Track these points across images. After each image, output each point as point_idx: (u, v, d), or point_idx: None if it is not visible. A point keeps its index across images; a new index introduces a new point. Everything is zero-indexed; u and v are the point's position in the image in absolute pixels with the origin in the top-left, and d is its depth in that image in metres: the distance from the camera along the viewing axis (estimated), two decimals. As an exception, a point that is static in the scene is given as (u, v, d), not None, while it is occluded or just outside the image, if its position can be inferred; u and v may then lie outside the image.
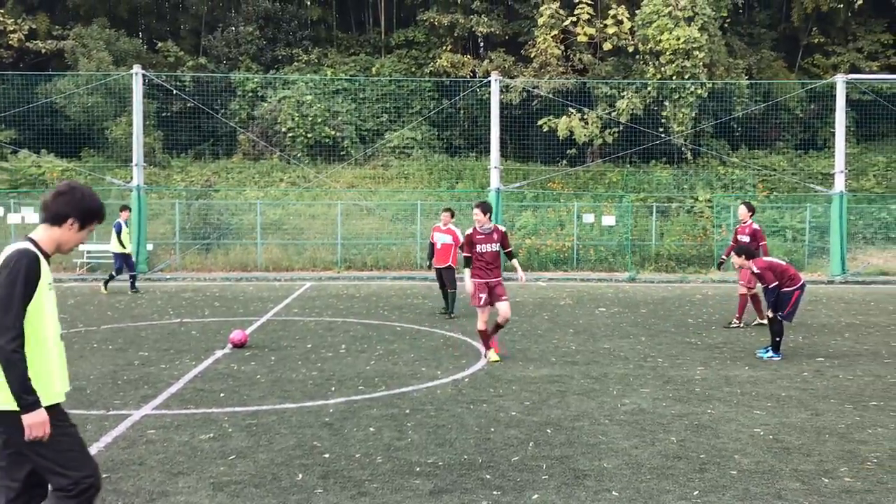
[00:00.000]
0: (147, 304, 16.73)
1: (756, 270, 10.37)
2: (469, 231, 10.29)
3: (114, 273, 19.00)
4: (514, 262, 10.63)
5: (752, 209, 13.77)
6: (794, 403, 7.85)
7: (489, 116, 25.74)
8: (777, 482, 5.53)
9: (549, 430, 6.76)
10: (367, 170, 32.15)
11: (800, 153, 32.53)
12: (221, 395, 8.09)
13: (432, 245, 14.85)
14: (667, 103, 29.65)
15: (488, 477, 5.57)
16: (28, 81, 31.32)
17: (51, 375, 3.75)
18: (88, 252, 25.98)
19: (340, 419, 7.14)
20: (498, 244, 10.14)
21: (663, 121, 29.84)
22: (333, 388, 8.42)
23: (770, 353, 10.31)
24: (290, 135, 32.21)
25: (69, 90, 31.08)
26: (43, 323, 3.71)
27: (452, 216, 15.05)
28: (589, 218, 27.31)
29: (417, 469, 5.75)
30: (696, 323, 13.91)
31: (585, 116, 29.95)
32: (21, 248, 3.71)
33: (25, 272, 3.62)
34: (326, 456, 6.05)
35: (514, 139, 31.12)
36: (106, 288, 18.72)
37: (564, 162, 31.49)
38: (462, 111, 33.31)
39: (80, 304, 16.66)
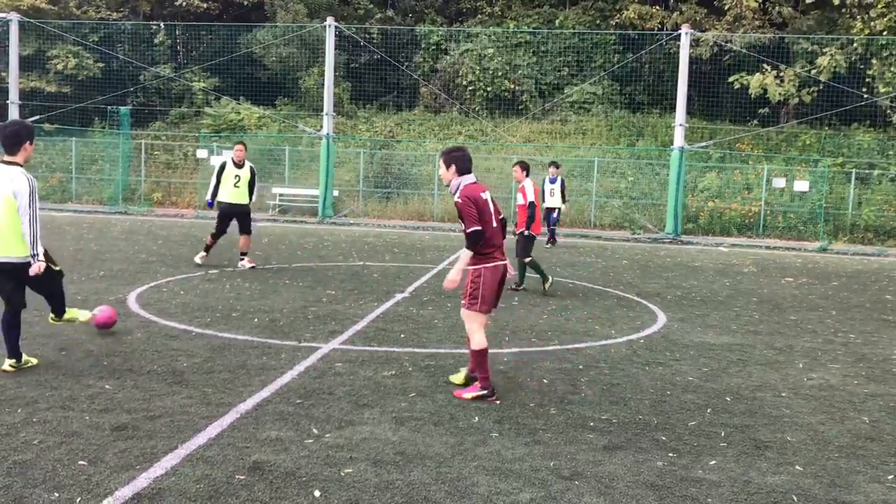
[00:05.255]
0: (332, 246, 17.65)
1: None
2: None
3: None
4: None
5: None
6: None
7: (676, 71, 24.73)
8: None
9: (728, 399, 6.56)
10: (545, 125, 31.92)
11: None
12: (402, 335, 8.45)
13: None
14: (874, 61, 27.20)
15: (664, 439, 5.52)
16: (231, 32, 33.45)
17: None
18: (281, 195, 27.66)
19: (514, 368, 7.27)
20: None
21: (868, 80, 27.44)
22: (507, 338, 8.56)
23: None
24: (471, 88, 32.50)
25: (267, 41, 32.90)
26: None
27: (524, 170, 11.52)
28: (779, 182, 25.77)
29: (591, 424, 5.77)
30: (895, 300, 12.89)
31: (781, 74, 28.08)
32: None
33: None
34: (500, 402, 6.20)
35: (701, 96, 29.77)
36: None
37: (755, 122, 29.82)
38: (647, 65, 32.19)
39: (272, 242, 17.85)
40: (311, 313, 9.46)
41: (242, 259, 13.09)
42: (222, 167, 12.95)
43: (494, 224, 6.40)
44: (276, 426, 5.40)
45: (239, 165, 12.94)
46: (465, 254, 6.27)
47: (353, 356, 7.46)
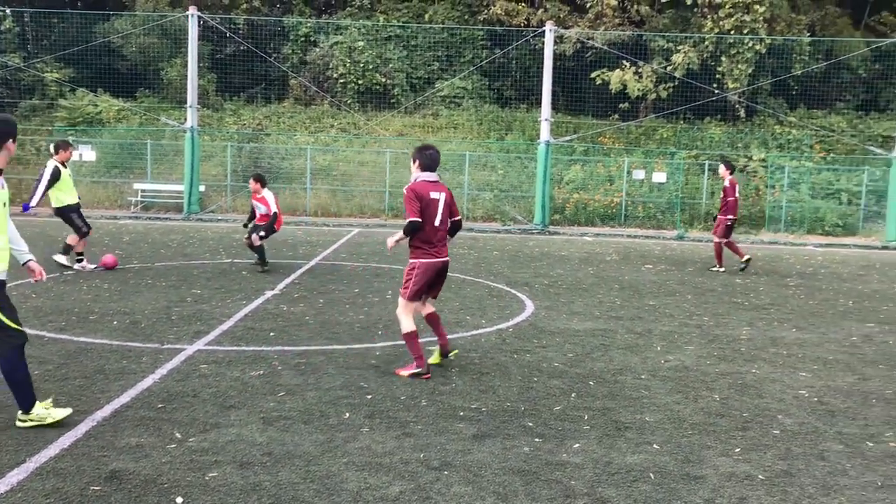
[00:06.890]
0: (199, 243, 17.07)
1: None
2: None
3: None
4: None
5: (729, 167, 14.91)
6: (840, 367, 7.76)
7: (541, 67, 25.36)
8: (820, 443, 5.51)
9: (591, 383, 6.80)
10: (417, 118, 32.04)
11: (860, 114, 31.52)
12: (271, 334, 8.27)
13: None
14: (723, 59, 28.87)
15: (530, 424, 5.65)
16: (86, 20, 31.68)
17: None
18: (143, 191, 26.50)
19: (386, 362, 7.26)
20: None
21: (719, 77, 29.12)
22: (380, 332, 8.54)
23: None
24: (342, 81, 32.18)
25: (126, 30, 31.37)
26: None
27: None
28: (639, 174, 26.96)
29: (461, 413, 5.84)
30: (743, 283, 13.74)
31: (640, 70, 29.35)
32: None
33: None
34: (371, 397, 6.18)
35: (565, 91, 30.67)
36: None
37: (616, 116, 31.01)
38: (514, 61, 32.85)
39: (134, 241, 17.06)
40: (174, 314, 9.11)
41: (82, 260, 12.45)
42: (56, 173, 12.02)
43: (437, 224, 6.74)
44: (135, 432, 5.17)
45: (65, 165, 12.43)
46: (401, 232, 6.70)
47: (220, 357, 7.24)
